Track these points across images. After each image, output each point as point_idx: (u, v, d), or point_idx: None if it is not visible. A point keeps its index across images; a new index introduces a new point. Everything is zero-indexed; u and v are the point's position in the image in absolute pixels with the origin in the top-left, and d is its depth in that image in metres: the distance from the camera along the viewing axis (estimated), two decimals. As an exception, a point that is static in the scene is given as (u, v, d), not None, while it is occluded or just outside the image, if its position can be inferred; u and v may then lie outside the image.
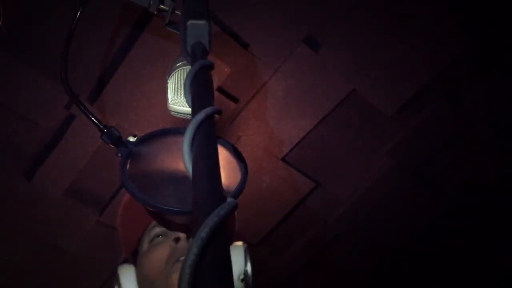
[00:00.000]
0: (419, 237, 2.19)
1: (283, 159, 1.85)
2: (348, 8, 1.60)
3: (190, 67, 0.61)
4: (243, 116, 1.73)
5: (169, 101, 0.81)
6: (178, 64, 0.81)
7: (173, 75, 0.81)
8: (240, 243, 1.05)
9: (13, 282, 1.77)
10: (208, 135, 0.48)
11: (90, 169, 1.66)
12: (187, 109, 0.79)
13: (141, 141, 0.74)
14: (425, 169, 2.02)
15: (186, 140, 0.47)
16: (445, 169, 2.04)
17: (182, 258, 0.94)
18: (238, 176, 0.64)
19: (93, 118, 0.75)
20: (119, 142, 0.73)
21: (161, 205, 0.60)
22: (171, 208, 0.59)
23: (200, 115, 0.48)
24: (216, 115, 0.52)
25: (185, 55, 0.67)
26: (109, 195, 1.75)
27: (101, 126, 0.74)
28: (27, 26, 1.43)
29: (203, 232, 0.34)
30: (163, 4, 0.82)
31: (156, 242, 1.01)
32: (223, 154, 0.68)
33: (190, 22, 0.66)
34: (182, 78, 0.81)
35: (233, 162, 0.68)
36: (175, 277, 0.91)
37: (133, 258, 1.06)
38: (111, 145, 0.74)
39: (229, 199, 0.39)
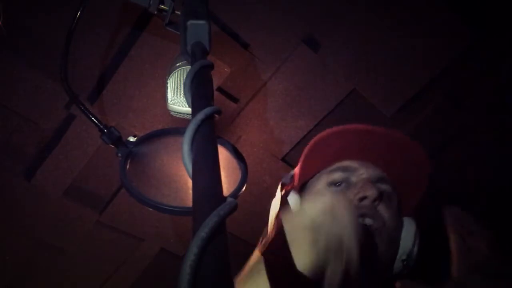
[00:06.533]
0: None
1: (283, 159, 1.85)
2: (348, 8, 1.60)
3: (190, 67, 0.61)
4: (243, 116, 1.73)
5: (168, 101, 0.81)
6: (178, 64, 0.81)
7: (173, 75, 0.81)
8: (410, 219, 0.97)
9: (13, 281, 1.77)
10: (208, 135, 0.48)
11: (90, 169, 1.66)
12: (187, 109, 0.79)
13: (141, 141, 0.74)
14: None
15: (186, 140, 0.47)
16: (445, 169, 2.03)
17: (363, 220, 0.84)
18: (238, 176, 0.64)
19: (93, 118, 0.75)
20: (119, 142, 0.73)
21: (161, 205, 0.60)
22: (171, 208, 0.59)
23: (200, 115, 0.48)
24: (216, 115, 0.52)
25: (185, 55, 0.67)
26: (109, 195, 1.74)
27: (101, 126, 0.74)
28: (27, 26, 1.43)
29: (203, 232, 0.34)
30: (163, 4, 0.82)
31: (335, 190, 0.92)
32: (223, 154, 0.68)
33: (190, 22, 0.66)
34: (182, 78, 0.80)
35: (233, 162, 0.68)
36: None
37: (301, 189, 1.00)
38: (111, 145, 0.74)
39: (229, 199, 0.39)
